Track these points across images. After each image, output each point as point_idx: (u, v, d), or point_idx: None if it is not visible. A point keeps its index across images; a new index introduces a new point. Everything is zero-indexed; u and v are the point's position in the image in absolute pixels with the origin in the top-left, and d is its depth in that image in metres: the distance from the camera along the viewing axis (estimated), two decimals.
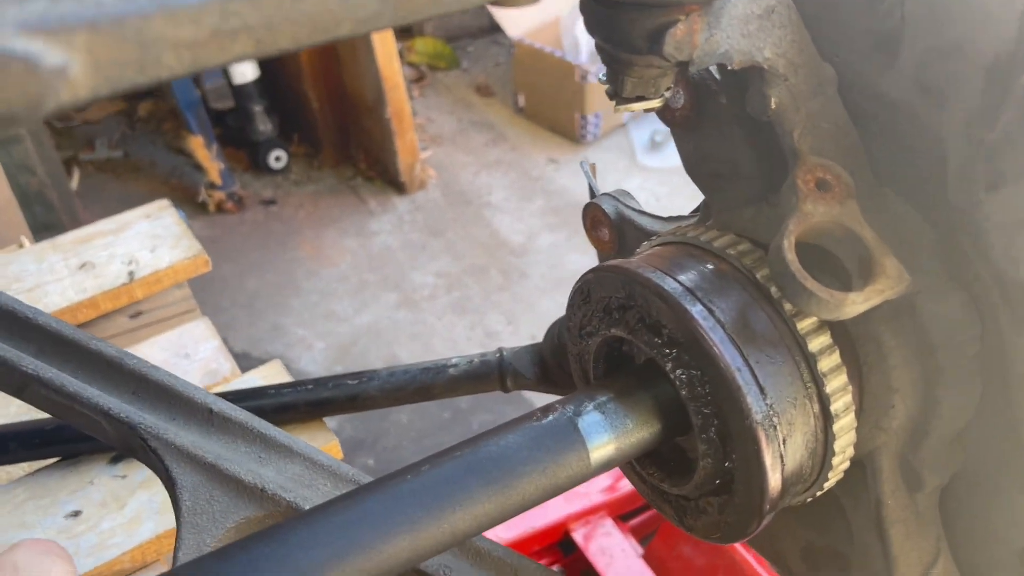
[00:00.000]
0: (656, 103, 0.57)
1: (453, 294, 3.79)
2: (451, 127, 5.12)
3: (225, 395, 1.01)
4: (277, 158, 4.67)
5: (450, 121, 5.18)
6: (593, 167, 0.98)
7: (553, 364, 1.01)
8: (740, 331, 0.58)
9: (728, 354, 0.56)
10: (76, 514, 0.97)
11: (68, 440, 1.02)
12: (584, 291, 0.68)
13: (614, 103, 0.57)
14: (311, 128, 4.77)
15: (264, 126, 4.55)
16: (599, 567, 2.11)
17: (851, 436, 0.60)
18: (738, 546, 2.03)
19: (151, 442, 0.69)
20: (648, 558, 2.20)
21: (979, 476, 0.64)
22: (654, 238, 0.71)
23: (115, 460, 1.03)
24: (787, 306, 0.59)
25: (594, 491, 2.31)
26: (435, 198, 4.46)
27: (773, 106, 0.57)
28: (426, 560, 0.54)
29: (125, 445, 0.71)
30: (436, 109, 5.31)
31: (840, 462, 0.61)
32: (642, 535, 2.37)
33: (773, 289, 0.59)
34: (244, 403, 1.03)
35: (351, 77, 4.38)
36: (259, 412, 0.75)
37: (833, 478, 0.63)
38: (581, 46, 4.74)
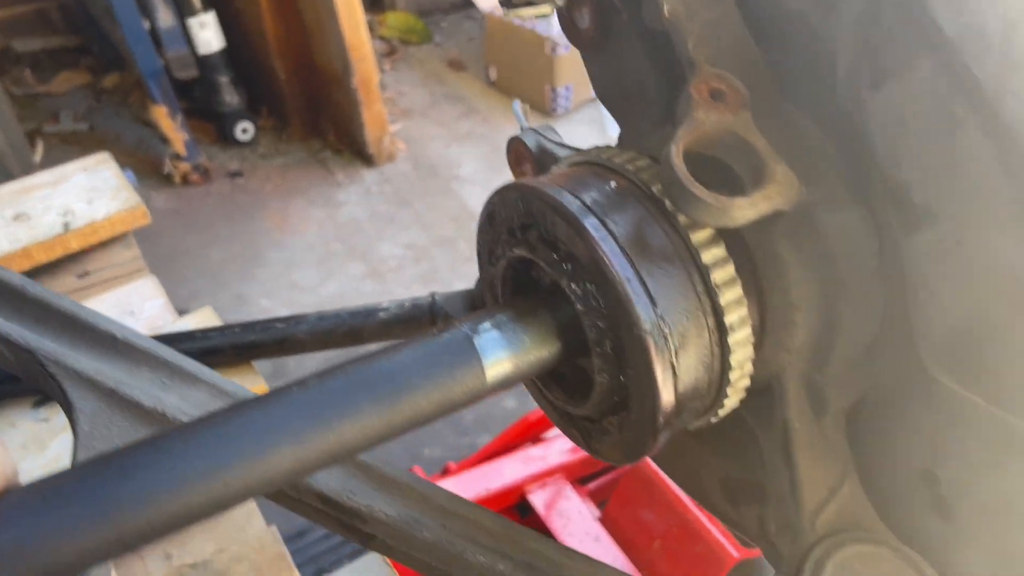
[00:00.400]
0: (546, 8, 0.56)
1: (421, 265, 3.77)
2: (422, 100, 5.08)
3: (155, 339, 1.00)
4: (244, 130, 4.62)
5: (421, 94, 5.14)
6: (525, 108, 0.97)
7: (483, 307, 1.01)
8: (633, 244, 0.57)
9: (618, 264, 0.56)
10: None
11: None
12: (490, 214, 0.68)
13: (504, 8, 0.56)
14: (279, 100, 4.72)
15: (231, 98, 4.49)
16: (555, 529, 2.12)
17: (747, 351, 0.60)
18: (691, 506, 2.04)
19: (49, 367, 0.67)
20: (604, 521, 2.21)
21: (884, 397, 0.64)
22: (562, 161, 0.70)
23: (38, 404, 1.02)
24: (681, 219, 0.58)
25: (552, 454, 2.31)
26: (404, 170, 4.43)
27: (667, 14, 0.56)
28: (314, 472, 0.53)
29: (26, 371, 0.70)
30: (407, 83, 5.27)
31: (738, 378, 0.61)
32: (600, 499, 2.38)
33: (668, 203, 0.59)
34: (172, 347, 1.01)
35: (318, 48, 4.33)
36: (187, 356, 0.73)
37: (734, 396, 0.62)
38: (552, 19, 4.71)
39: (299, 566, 1.11)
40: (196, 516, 0.49)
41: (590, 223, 0.57)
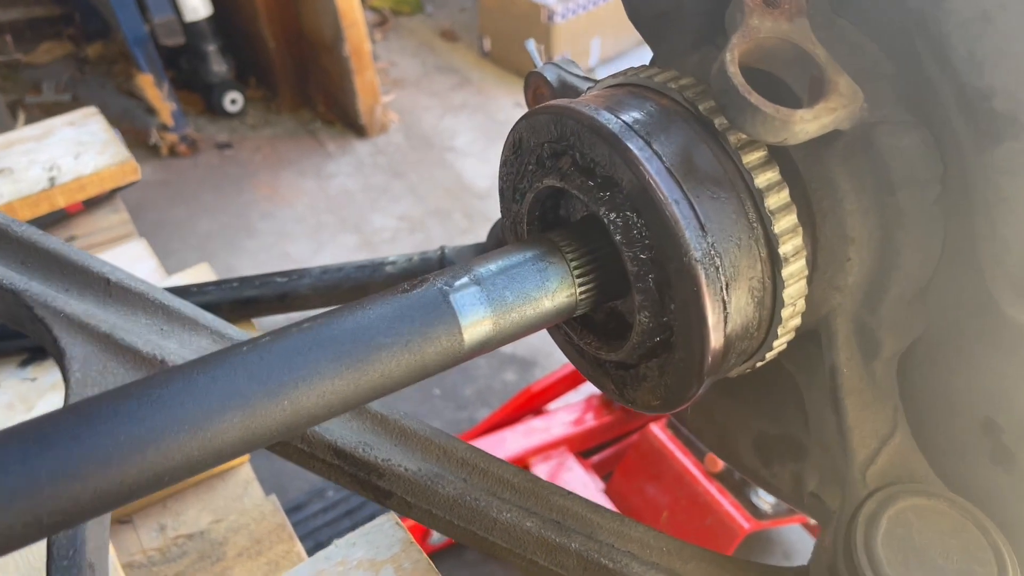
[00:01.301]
0: None
1: (415, 236, 3.71)
2: (415, 71, 5.00)
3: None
4: (233, 101, 4.53)
5: (414, 65, 5.06)
6: (540, 48, 0.92)
7: None
8: (680, 165, 0.52)
9: (666, 187, 0.51)
10: None
11: None
12: (516, 142, 0.62)
13: None
14: (268, 70, 4.64)
15: (218, 67, 4.40)
16: None
17: (802, 285, 0.55)
18: (700, 478, 2.01)
19: (37, 310, 0.62)
20: (610, 493, 2.18)
21: (941, 339, 0.59)
22: (595, 85, 0.65)
23: (25, 363, 0.97)
24: (732, 139, 0.53)
25: (554, 426, 2.28)
26: (397, 141, 4.36)
27: None
28: (269, 442, 0.46)
29: (11, 316, 0.65)
30: (399, 53, 5.19)
31: (790, 315, 0.56)
32: (604, 471, 2.35)
33: (717, 122, 0.54)
34: None
35: (308, 15, 4.25)
36: None
37: (783, 337, 0.58)
38: None
39: None
40: (130, 492, 0.42)
41: (634, 144, 0.52)
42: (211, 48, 4.32)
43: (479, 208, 3.88)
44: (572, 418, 2.31)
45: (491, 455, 0.67)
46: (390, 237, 3.72)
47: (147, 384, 0.44)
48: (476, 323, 0.52)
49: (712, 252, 0.51)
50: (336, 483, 0.65)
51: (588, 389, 2.48)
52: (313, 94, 4.63)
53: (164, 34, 4.09)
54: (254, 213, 3.88)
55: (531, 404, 2.35)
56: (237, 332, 0.66)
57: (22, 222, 0.67)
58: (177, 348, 0.64)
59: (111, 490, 0.41)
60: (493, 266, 0.55)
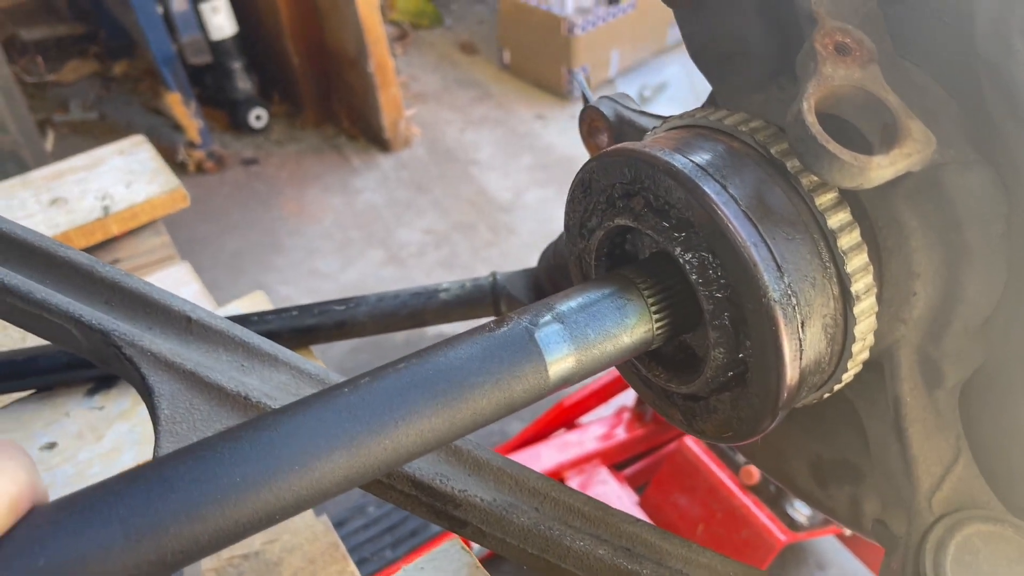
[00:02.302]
0: None
1: (441, 250, 3.74)
2: (435, 85, 5.04)
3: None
4: (258, 117, 4.58)
5: (434, 79, 5.10)
6: (588, 78, 0.94)
7: (549, 286, 0.98)
8: (755, 207, 0.54)
9: (744, 230, 0.52)
10: (52, 446, 0.93)
11: (42, 372, 0.97)
12: (585, 182, 0.64)
13: None
14: (292, 86, 4.68)
15: (244, 84, 4.45)
16: None
17: (872, 321, 0.57)
18: (735, 490, 2.02)
19: (125, 349, 0.64)
20: (644, 505, 2.19)
21: (1002, 369, 0.61)
22: (658, 126, 0.67)
23: (92, 392, 0.99)
24: (804, 182, 0.55)
25: (588, 440, 2.29)
26: (420, 156, 4.40)
27: None
28: (369, 480, 0.48)
29: (98, 355, 0.67)
30: (420, 67, 5.22)
31: (860, 350, 0.58)
32: (637, 484, 2.36)
33: (789, 164, 0.55)
34: None
35: (332, 31, 4.29)
36: None
37: (852, 370, 0.59)
38: None
39: None
40: (244, 530, 0.44)
41: (710, 187, 0.54)
42: (236, 65, 4.37)
43: (503, 221, 3.90)
44: (604, 431, 2.32)
45: (561, 484, 0.69)
46: (416, 251, 3.74)
47: (256, 426, 0.47)
48: (560, 360, 0.54)
49: (789, 292, 0.53)
50: (412, 513, 0.67)
51: (619, 402, 2.49)
52: (337, 109, 4.67)
53: (191, 53, 4.14)
54: (282, 230, 3.91)
55: (564, 418, 2.37)
56: (315, 367, 0.68)
57: (105, 263, 0.70)
58: (259, 384, 0.66)
59: (228, 529, 0.43)
60: (574, 303, 0.57)
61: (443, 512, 0.66)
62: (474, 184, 4.15)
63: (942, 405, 0.62)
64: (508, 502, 0.66)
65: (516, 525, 0.65)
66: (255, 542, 1.12)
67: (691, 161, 0.56)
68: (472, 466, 0.67)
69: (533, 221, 3.86)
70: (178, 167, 4.34)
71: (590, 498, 0.68)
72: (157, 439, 0.62)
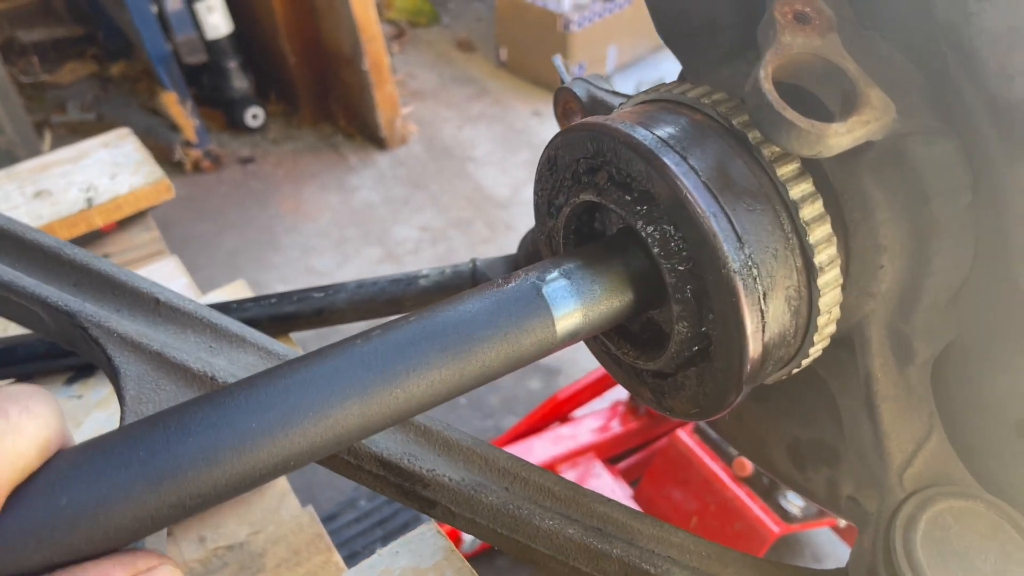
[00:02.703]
0: None
1: (438, 247, 3.74)
2: (432, 83, 5.04)
3: None
4: (254, 116, 4.58)
5: (431, 77, 5.10)
6: (566, 62, 0.93)
7: None
8: (716, 178, 0.53)
9: (703, 201, 0.52)
10: None
11: (21, 360, 0.97)
12: (551, 159, 0.64)
13: None
14: (288, 85, 4.68)
15: (240, 83, 4.46)
16: None
17: (836, 294, 0.56)
18: (729, 482, 2.01)
19: (92, 331, 0.64)
20: (638, 499, 2.19)
21: (974, 343, 0.60)
22: (625, 103, 0.66)
23: (71, 381, 0.99)
24: (766, 153, 0.55)
25: (581, 433, 2.29)
26: (417, 153, 4.39)
27: None
28: (379, 429, 0.50)
29: (65, 336, 0.67)
30: (417, 65, 5.22)
31: (825, 323, 0.57)
32: (632, 477, 2.35)
33: (751, 136, 0.55)
34: None
35: (327, 30, 4.29)
36: None
37: (819, 344, 0.59)
38: None
39: None
40: (260, 476, 0.46)
41: (670, 159, 0.53)
42: (232, 64, 4.38)
43: (500, 217, 3.90)
44: (598, 425, 2.32)
45: (531, 464, 0.68)
46: (413, 248, 3.74)
47: (273, 375, 0.48)
48: (567, 315, 0.55)
49: (750, 263, 0.52)
50: (381, 493, 0.67)
51: (613, 396, 2.48)
52: (333, 108, 4.67)
53: (186, 52, 4.14)
54: (279, 227, 3.92)
55: (557, 412, 2.36)
56: (283, 348, 0.68)
57: (74, 246, 0.69)
58: (226, 365, 0.66)
59: (245, 474, 0.44)
60: (580, 260, 0.58)
61: (412, 492, 0.65)
62: (471, 181, 4.15)
63: (914, 381, 0.62)
64: (477, 482, 0.65)
65: (485, 505, 0.65)
66: (240, 533, 1.12)
67: (652, 133, 0.55)
68: (441, 446, 0.67)
69: (530, 217, 3.85)
70: (175, 167, 4.34)
71: (561, 478, 0.68)
72: (122, 419, 0.62)
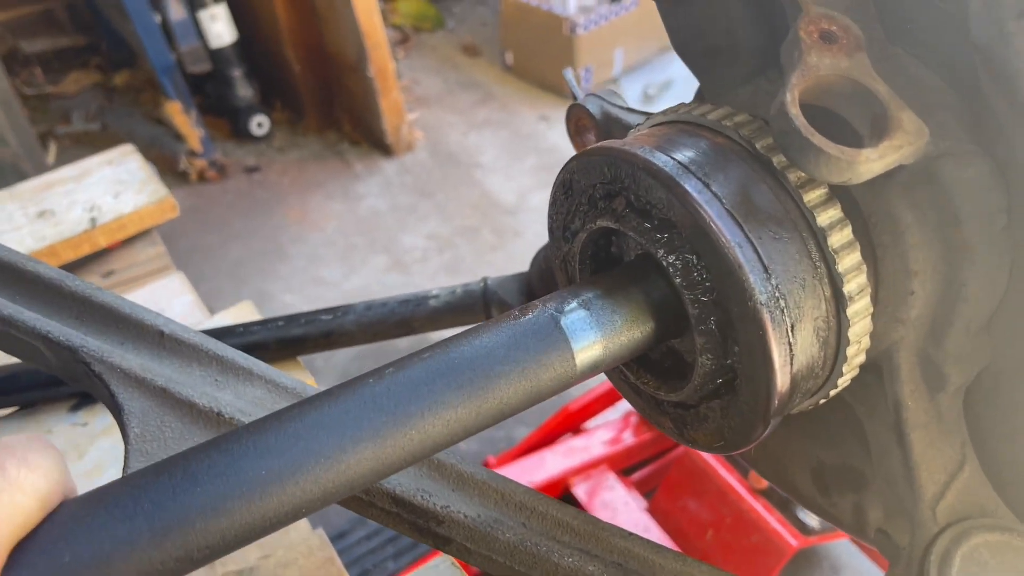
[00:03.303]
0: None
1: (445, 255, 3.72)
2: (438, 88, 5.02)
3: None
4: (259, 124, 4.57)
5: (437, 82, 5.08)
6: (577, 75, 0.91)
7: (541, 291, 0.95)
8: (740, 206, 0.51)
9: (727, 230, 0.50)
10: None
11: (24, 388, 0.95)
12: (566, 183, 0.62)
13: None
14: (293, 92, 4.67)
15: (244, 91, 4.45)
16: None
17: (867, 323, 0.54)
18: (745, 495, 1.99)
19: (94, 366, 0.62)
20: (653, 511, 2.16)
21: (1008, 369, 0.58)
22: (642, 123, 0.64)
23: (75, 408, 0.97)
24: (792, 178, 0.52)
25: (594, 444, 2.26)
26: (423, 160, 4.38)
27: None
28: (394, 472, 0.48)
29: (67, 372, 0.65)
30: (422, 70, 5.21)
31: (855, 353, 0.55)
32: (646, 489, 2.33)
33: (776, 160, 0.53)
34: None
35: (332, 37, 4.28)
36: None
37: (848, 374, 0.56)
38: None
39: None
40: (271, 525, 0.44)
41: (692, 186, 0.51)
42: (236, 73, 4.37)
43: (508, 224, 3.88)
44: (611, 436, 2.29)
45: (549, 498, 0.66)
46: (420, 257, 3.72)
47: (282, 418, 0.46)
48: (587, 347, 0.53)
49: (777, 294, 0.50)
50: (394, 530, 0.65)
51: (626, 407, 2.46)
52: (339, 115, 4.66)
53: (190, 61, 4.14)
54: (285, 237, 3.90)
55: (569, 423, 2.34)
56: (291, 381, 0.66)
57: (76, 277, 0.68)
58: (233, 399, 0.64)
59: (255, 523, 0.43)
60: (599, 289, 0.56)
61: (426, 529, 0.63)
62: (478, 187, 4.13)
63: (945, 409, 0.60)
64: (493, 518, 0.63)
65: (502, 542, 0.63)
66: (250, 557, 1.10)
67: (672, 159, 0.53)
68: (456, 481, 0.64)
69: (538, 224, 3.83)
70: (180, 176, 4.33)
71: (580, 511, 0.66)
72: (126, 459, 0.60)
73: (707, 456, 2.05)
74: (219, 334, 0.98)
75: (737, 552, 1.91)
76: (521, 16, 4.80)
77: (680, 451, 2.19)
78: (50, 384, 0.96)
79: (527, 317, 0.53)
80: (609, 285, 0.57)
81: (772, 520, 1.87)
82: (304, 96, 4.62)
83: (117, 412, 0.61)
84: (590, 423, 2.39)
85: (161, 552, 0.40)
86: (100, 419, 0.96)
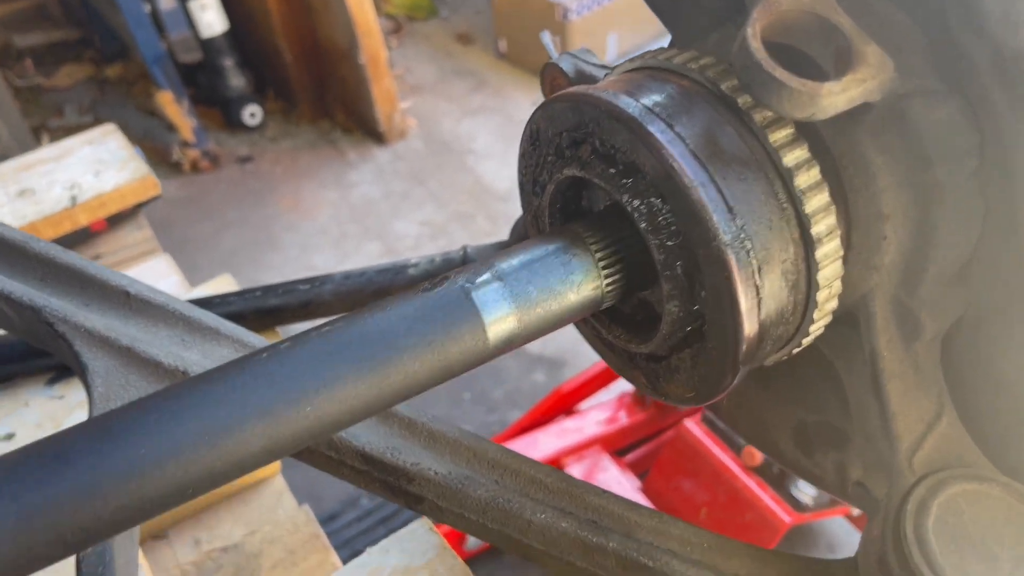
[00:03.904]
0: None
1: (439, 241, 3.71)
2: (432, 76, 5.01)
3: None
4: (252, 114, 4.56)
5: (430, 70, 5.06)
6: (556, 39, 0.90)
7: None
8: (704, 147, 0.50)
9: (691, 170, 0.49)
10: (10, 437, 0.90)
11: (1, 361, 0.95)
12: (533, 134, 0.61)
13: None
14: (285, 82, 4.66)
15: (236, 81, 4.43)
16: None
17: (837, 267, 0.53)
18: (738, 472, 1.98)
19: (58, 326, 0.61)
20: (647, 491, 2.16)
21: (985, 318, 0.57)
22: (612, 71, 0.63)
23: (52, 381, 0.97)
24: (757, 118, 0.51)
25: (587, 425, 2.26)
26: (417, 147, 4.36)
27: None
28: (293, 451, 0.46)
29: (31, 333, 0.64)
30: (415, 59, 5.19)
31: (826, 298, 0.54)
32: (640, 470, 2.32)
33: (741, 100, 0.52)
34: None
35: (323, 25, 4.26)
36: None
37: (820, 321, 0.55)
38: None
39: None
40: (152, 507, 0.42)
41: (655, 127, 0.50)
42: (228, 63, 4.35)
43: (501, 210, 3.86)
44: (605, 417, 2.28)
45: (522, 455, 0.65)
46: (413, 244, 3.72)
47: (165, 396, 0.44)
48: (500, 319, 0.51)
49: (742, 235, 0.49)
50: (366, 489, 0.64)
51: (619, 387, 2.45)
52: (331, 104, 4.64)
53: (181, 51, 4.12)
54: (278, 226, 3.89)
55: (562, 404, 2.33)
56: (259, 340, 0.65)
57: (41, 239, 0.67)
58: (199, 359, 0.63)
59: (133, 505, 0.41)
60: (515, 260, 0.53)
61: (397, 487, 0.63)
62: (471, 174, 4.12)
63: (922, 359, 0.59)
64: (465, 475, 0.63)
65: (474, 499, 0.62)
66: (235, 534, 1.10)
67: (637, 102, 0.52)
68: (427, 439, 0.64)
69: None
70: (173, 167, 4.32)
71: (553, 469, 0.65)
72: (90, 416, 0.59)
73: (700, 435, 2.05)
74: (198, 305, 0.97)
75: (731, 530, 1.90)
76: (514, 3, 4.79)
77: (673, 431, 2.19)
78: (26, 356, 0.95)
79: (437, 290, 0.51)
80: (530, 255, 0.54)
81: (766, 497, 1.87)
82: (297, 85, 4.60)
83: (81, 371, 0.61)
84: (583, 404, 2.39)
85: (29, 534, 0.39)
86: (77, 392, 0.95)
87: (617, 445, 2.29)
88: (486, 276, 0.51)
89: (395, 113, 4.33)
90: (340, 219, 3.90)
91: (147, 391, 0.61)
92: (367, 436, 0.62)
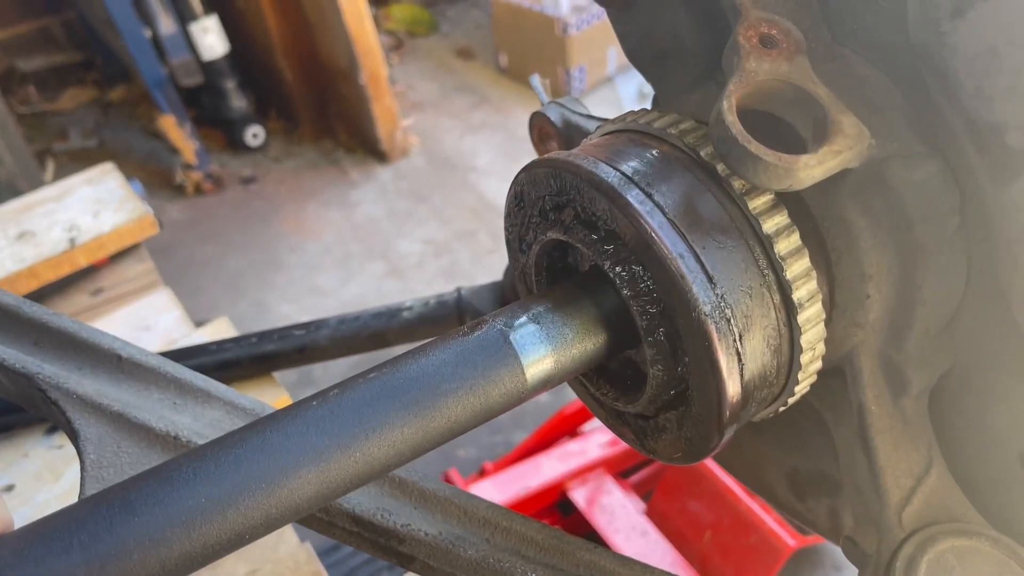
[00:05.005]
0: None
1: (442, 260, 3.71)
2: (433, 93, 5.02)
3: (166, 355, 0.94)
4: (254, 135, 4.58)
5: (432, 87, 5.08)
6: (546, 83, 0.91)
7: (515, 300, 0.95)
8: (683, 215, 0.50)
9: (669, 240, 0.49)
10: (9, 488, 0.91)
11: (0, 412, 0.95)
12: (518, 195, 0.61)
13: None
14: (287, 102, 4.68)
15: (238, 102, 4.45)
16: (600, 526, 2.05)
17: (819, 330, 0.53)
18: (742, 495, 1.98)
19: (50, 393, 0.62)
20: (651, 514, 2.15)
21: (971, 372, 0.57)
22: (595, 131, 0.63)
23: (51, 431, 0.97)
24: (736, 185, 0.52)
25: (591, 448, 2.25)
26: (419, 165, 4.37)
27: None
28: (340, 495, 0.48)
29: (24, 398, 0.65)
30: (417, 75, 5.21)
31: (810, 360, 0.54)
32: (644, 492, 2.32)
33: (720, 167, 0.52)
34: (186, 362, 0.96)
35: (323, 45, 4.28)
36: (202, 370, 0.68)
37: (805, 381, 0.56)
38: None
39: None
40: (213, 553, 0.44)
41: (633, 196, 0.51)
42: (230, 84, 4.37)
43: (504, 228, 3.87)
44: (608, 439, 2.28)
45: (514, 513, 0.65)
46: (417, 262, 3.72)
47: (223, 445, 0.45)
48: (538, 361, 0.52)
49: (722, 304, 0.49)
50: (357, 549, 0.64)
51: None
52: (333, 123, 4.66)
53: (182, 75, 4.14)
54: (281, 247, 3.90)
55: (565, 426, 2.33)
56: (250, 402, 0.66)
57: (32, 302, 0.67)
58: (190, 423, 0.63)
59: (195, 552, 0.42)
60: (549, 303, 0.55)
61: (388, 548, 0.63)
62: (474, 191, 4.12)
63: (910, 413, 0.59)
64: (456, 534, 0.63)
65: (464, 559, 0.62)
66: (237, 571, 1.10)
67: (615, 169, 0.52)
68: (417, 498, 0.64)
69: None
70: (177, 190, 4.34)
71: (545, 525, 0.65)
72: (82, 485, 0.60)
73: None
74: (193, 353, 0.98)
75: (735, 553, 1.90)
76: (513, 18, 4.80)
77: None
78: (24, 408, 0.96)
79: (476, 333, 0.52)
80: (560, 298, 0.56)
81: (770, 520, 1.86)
82: (298, 105, 4.62)
83: (73, 437, 0.61)
84: (586, 426, 2.38)
85: None
86: None
87: (621, 467, 2.28)
88: (523, 319, 0.53)
89: (397, 131, 4.35)
90: (344, 239, 3.91)
91: (139, 456, 0.61)
92: (357, 498, 0.63)
